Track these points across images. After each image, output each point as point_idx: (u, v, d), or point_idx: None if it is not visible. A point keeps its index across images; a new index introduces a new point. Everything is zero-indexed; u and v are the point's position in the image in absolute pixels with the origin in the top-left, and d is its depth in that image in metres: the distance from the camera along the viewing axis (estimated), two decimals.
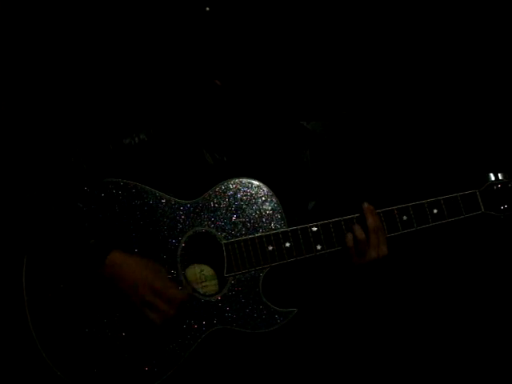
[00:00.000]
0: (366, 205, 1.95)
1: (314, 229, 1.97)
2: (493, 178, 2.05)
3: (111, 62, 2.55)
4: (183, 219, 1.96)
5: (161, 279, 1.87)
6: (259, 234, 1.96)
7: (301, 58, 1.91)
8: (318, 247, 1.97)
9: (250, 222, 1.97)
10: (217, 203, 1.97)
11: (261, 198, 1.98)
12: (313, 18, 2.50)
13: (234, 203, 1.98)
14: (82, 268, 1.86)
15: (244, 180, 1.99)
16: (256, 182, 1.98)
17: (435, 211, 2.00)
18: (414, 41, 2.68)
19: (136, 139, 1.98)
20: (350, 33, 2.66)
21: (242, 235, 1.96)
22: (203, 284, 2.00)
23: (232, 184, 1.98)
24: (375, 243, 1.92)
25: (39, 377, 1.87)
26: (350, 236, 1.93)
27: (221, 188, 1.98)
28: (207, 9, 2.38)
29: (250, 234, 1.96)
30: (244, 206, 1.98)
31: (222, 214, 1.97)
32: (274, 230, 1.97)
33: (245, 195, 1.98)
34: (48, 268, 1.90)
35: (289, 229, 1.97)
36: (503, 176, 2.06)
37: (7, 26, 2.41)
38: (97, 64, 2.54)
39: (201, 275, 2.01)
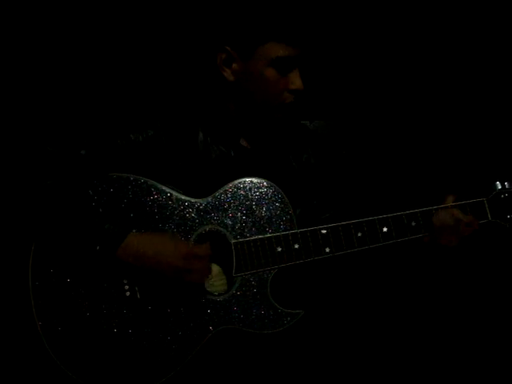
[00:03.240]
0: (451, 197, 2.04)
1: (324, 231, 1.97)
2: (499, 186, 2.07)
3: (118, 58, 2.54)
4: (193, 217, 1.95)
5: (183, 244, 1.89)
6: (269, 235, 1.96)
7: (298, 41, 1.90)
8: (327, 250, 1.97)
9: (259, 222, 1.97)
10: (227, 202, 1.96)
11: (271, 198, 1.98)
12: (315, 17, 2.50)
13: (244, 203, 1.97)
14: (97, 253, 1.83)
15: (255, 180, 1.98)
16: (267, 183, 1.98)
17: None
18: (418, 42, 2.69)
19: (144, 134, 1.96)
20: (353, 31, 2.67)
21: (251, 235, 1.96)
22: (209, 283, 1.98)
23: (243, 183, 1.98)
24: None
25: (44, 372, 1.85)
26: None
27: (232, 187, 1.97)
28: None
29: (259, 234, 1.96)
30: (254, 206, 1.97)
31: (232, 213, 1.96)
32: (283, 230, 1.97)
33: (255, 195, 1.98)
34: (56, 261, 1.88)
35: (298, 230, 1.97)
36: (510, 185, 2.07)
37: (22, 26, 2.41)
38: (104, 60, 2.53)
39: None
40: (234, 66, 1.94)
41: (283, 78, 1.92)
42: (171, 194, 1.95)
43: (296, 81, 1.92)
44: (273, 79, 1.91)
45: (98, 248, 1.83)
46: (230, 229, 1.96)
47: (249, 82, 1.94)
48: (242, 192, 1.97)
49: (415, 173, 2.68)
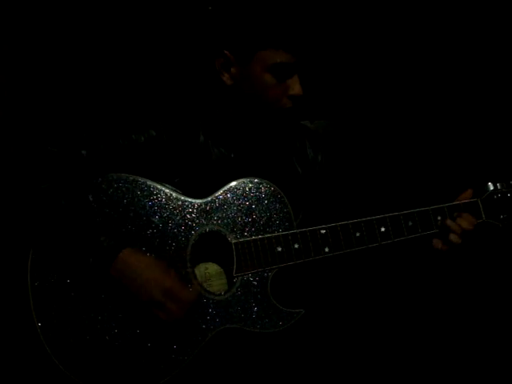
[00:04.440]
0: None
1: (323, 231, 1.99)
2: (492, 187, 2.11)
3: (120, 59, 2.54)
4: (193, 217, 1.95)
5: (171, 279, 1.85)
6: (269, 235, 1.97)
7: (296, 48, 1.92)
8: (326, 249, 1.98)
9: (259, 222, 1.98)
10: (227, 202, 1.97)
11: (271, 198, 1.99)
12: (315, 16, 2.52)
13: (244, 203, 1.98)
14: (90, 266, 1.83)
15: (255, 180, 1.99)
16: (266, 183, 1.99)
17: (439, 218, 2.05)
18: (417, 44, 2.73)
19: (145, 134, 1.96)
20: (354, 31, 2.70)
21: (251, 235, 1.97)
22: (208, 283, 1.99)
23: (243, 183, 1.99)
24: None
25: (44, 373, 1.83)
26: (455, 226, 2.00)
27: (232, 187, 1.98)
28: (210, 8, 2.39)
29: (259, 234, 1.97)
30: (254, 206, 1.98)
31: (232, 214, 1.97)
32: (283, 230, 1.98)
33: (255, 195, 1.99)
34: (54, 263, 1.86)
35: (298, 230, 1.98)
36: (501, 185, 2.11)
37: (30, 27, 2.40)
38: (107, 61, 2.53)
39: (206, 273, 2.00)
40: (233, 70, 1.95)
41: (281, 84, 1.93)
42: (171, 195, 1.95)
43: (295, 86, 1.93)
44: (270, 85, 1.92)
45: (91, 260, 1.82)
46: (230, 229, 1.96)
47: (247, 87, 1.95)
48: (241, 192, 1.98)
49: (411, 173, 2.71)
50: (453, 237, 1.99)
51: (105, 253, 1.82)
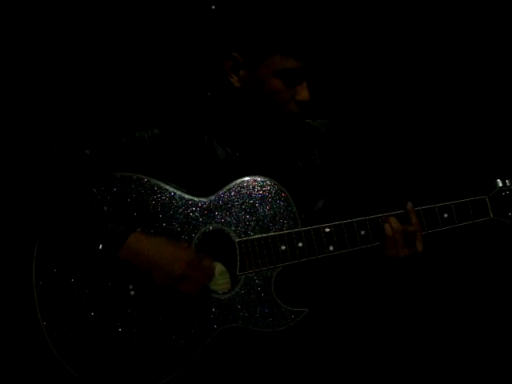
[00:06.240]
0: (410, 204, 1.99)
1: (327, 229, 1.97)
2: (501, 184, 2.08)
3: (125, 57, 2.54)
4: (197, 216, 1.95)
5: (188, 251, 1.86)
6: (272, 233, 1.96)
7: (307, 56, 1.91)
8: (331, 248, 1.97)
9: (263, 220, 1.97)
10: (231, 201, 1.97)
11: (275, 197, 1.99)
12: (316, 16, 2.51)
13: (248, 201, 1.97)
14: (99, 252, 1.82)
15: (259, 178, 1.98)
16: (270, 181, 1.98)
17: (445, 216, 2.02)
18: (419, 45, 2.71)
19: (149, 132, 1.96)
20: (355, 30, 2.68)
21: (255, 234, 1.96)
22: (212, 281, 1.99)
23: (247, 182, 1.98)
24: (413, 240, 1.95)
25: (49, 372, 1.85)
26: (388, 227, 1.95)
27: (235, 186, 1.97)
28: (213, 7, 2.38)
29: (263, 233, 1.96)
30: (258, 205, 1.98)
31: (235, 212, 1.96)
32: (287, 229, 1.97)
33: (259, 194, 1.98)
34: (59, 260, 1.87)
35: (302, 229, 1.97)
36: (511, 182, 2.08)
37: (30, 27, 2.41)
38: (112, 60, 2.53)
39: None
40: (241, 72, 1.94)
41: (289, 89, 1.91)
42: (174, 193, 1.95)
43: (303, 92, 1.92)
44: (279, 90, 1.90)
45: (100, 247, 1.82)
46: (233, 228, 1.96)
47: (255, 90, 1.93)
48: (245, 191, 1.98)
49: (417, 170, 2.69)
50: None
51: (114, 237, 1.82)
